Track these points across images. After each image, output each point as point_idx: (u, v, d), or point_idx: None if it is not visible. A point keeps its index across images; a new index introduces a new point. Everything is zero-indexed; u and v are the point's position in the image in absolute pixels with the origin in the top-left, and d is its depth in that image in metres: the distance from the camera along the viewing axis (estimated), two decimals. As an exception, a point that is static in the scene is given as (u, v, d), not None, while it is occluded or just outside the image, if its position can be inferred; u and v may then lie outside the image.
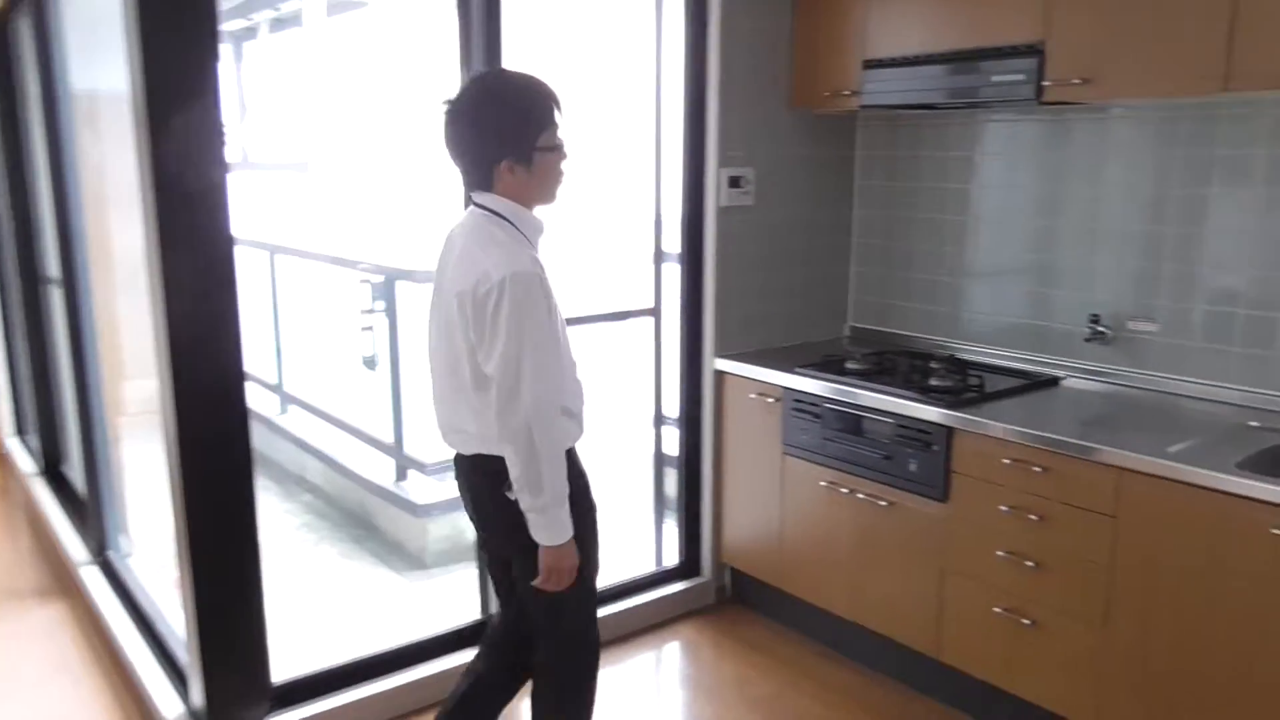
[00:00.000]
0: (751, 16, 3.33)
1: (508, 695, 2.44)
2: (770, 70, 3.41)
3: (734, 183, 3.39)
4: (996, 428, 2.62)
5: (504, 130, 2.05)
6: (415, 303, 4.33)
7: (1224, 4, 2.35)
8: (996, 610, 2.68)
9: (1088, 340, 3.06)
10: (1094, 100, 2.76)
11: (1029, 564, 2.59)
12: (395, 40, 5.39)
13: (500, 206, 2.08)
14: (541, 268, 2.03)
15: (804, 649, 3.28)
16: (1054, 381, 3.06)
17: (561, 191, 2.17)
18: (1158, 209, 2.89)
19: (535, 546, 2.08)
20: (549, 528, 2.04)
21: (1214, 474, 2.23)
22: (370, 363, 4.45)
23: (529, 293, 1.97)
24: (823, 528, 3.15)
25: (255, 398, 3.06)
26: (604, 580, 3.35)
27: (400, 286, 4.38)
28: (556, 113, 2.09)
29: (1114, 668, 2.47)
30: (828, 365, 3.19)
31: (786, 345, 3.61)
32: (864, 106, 3.20)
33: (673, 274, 3.50)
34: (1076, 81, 2.65)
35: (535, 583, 2.10)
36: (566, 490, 2.05)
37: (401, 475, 4.46)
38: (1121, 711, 2.47)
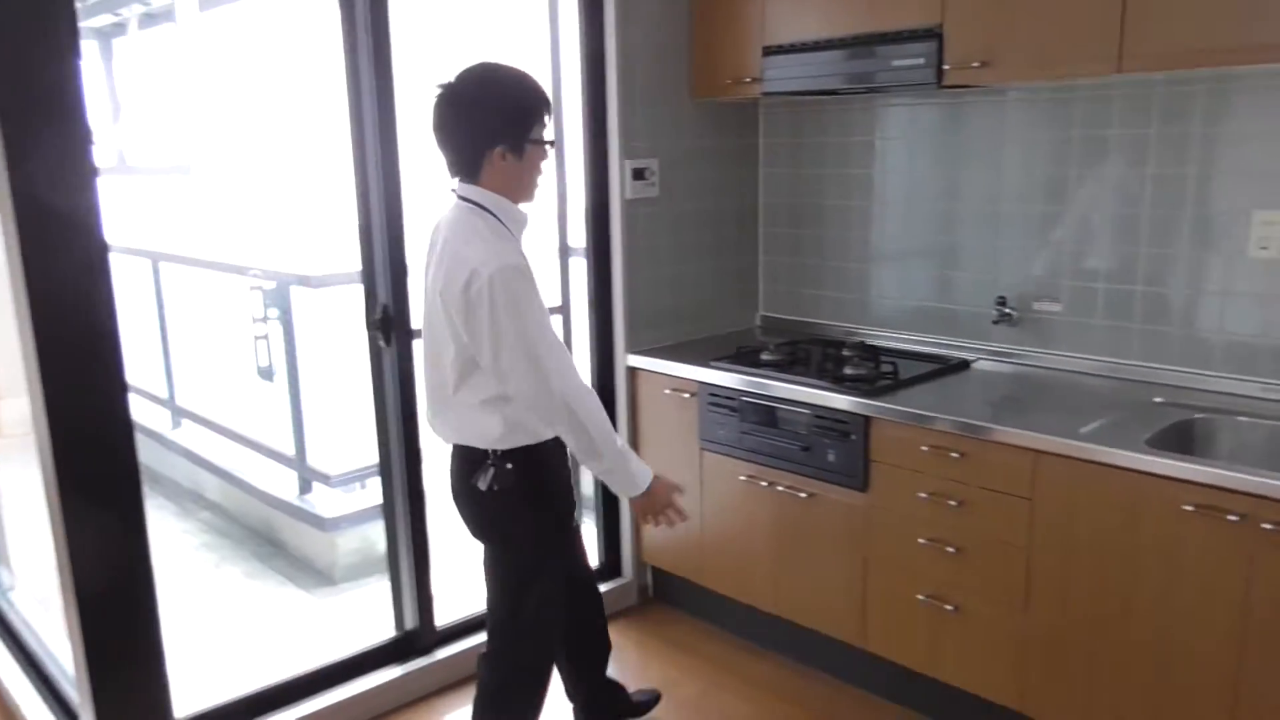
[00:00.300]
0: (649, 3, 3.25)
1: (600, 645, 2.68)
2: (671, 59, 3.34)
3: (638, 175, 3.32)
4: (913, 415, 2.62)
5: (505, 115, 2.09)
6: (313, 309, 4.15)
7: (1115, -13, 2.38)
8: (919, 597, 2.68)
9: (995, 322, 3.08)
10: (992, 83, 2.76)
11: (950, 550, 2.59)
12: (275, 36, 5.15)
13: (483, 199, 2.12)
14: (525, 259, 2.08)
15: (729, 646, 3.25)
16: (965, 365, 3.07)
17: (536, 190, 2.23)
18: (1057, 190, 2.93)
19: (503, 538, 2.25)
20: (623, 484, 2.21)
21: (1124, 453, 2.25)
22: (266, 373, 4.26)
23: (521, 284, 2.02)
24: (744, 522, 3.11)
25: (143, 412, 2.88)
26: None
27: (296, 293, 4.19)
28: (547, 107, 2.16)
29: (1035, 648, 2.49)
30: (742, 357, 3.15)
31: (699, 338, 3.56)
32: (765, 93, 3.16)
33: (579, 270, 3.42)
34: (975, 65, 2.65)
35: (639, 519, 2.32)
36: (624, 446, 2.19)
37: (306, 488, 4.28)
38: (1044, 691, 2.49)
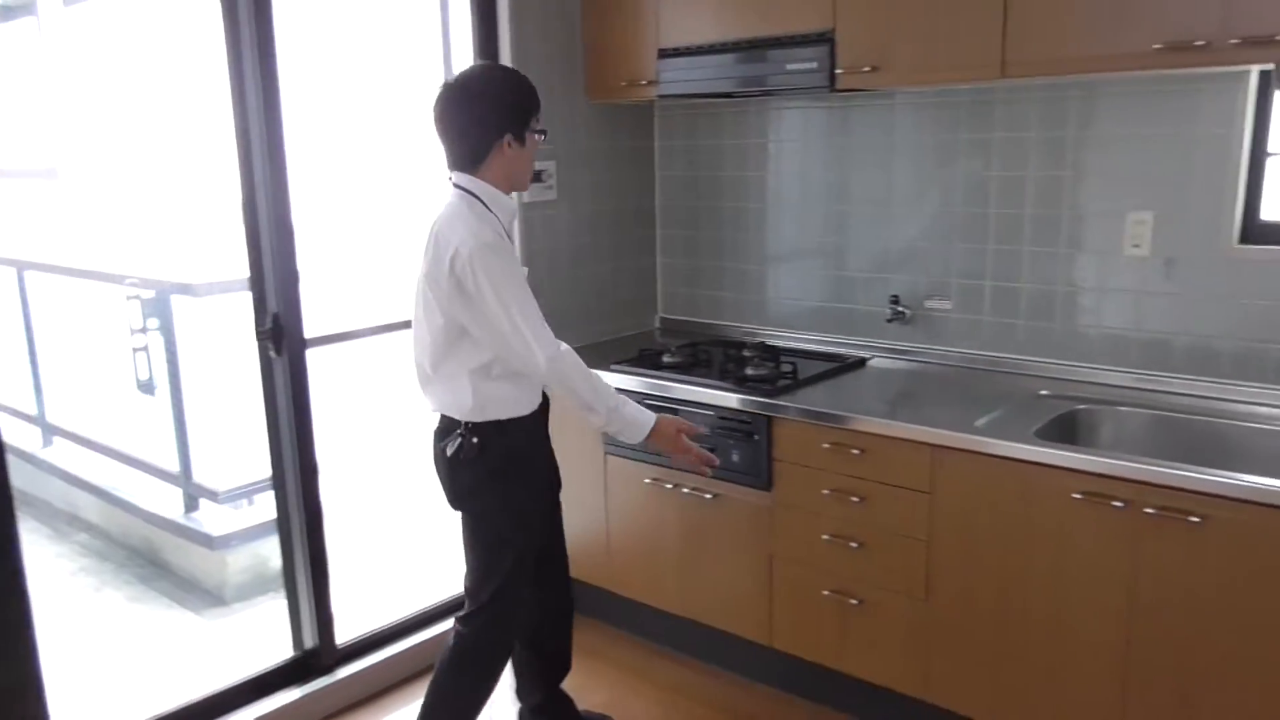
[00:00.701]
0: (542, 5, 3.22)
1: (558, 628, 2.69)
2: (565, 61, 3.32)
3: (536, 177, 3.28)
4: (814, 414, 2.66)
5: (511, 105, 2.26)
6: (196, 319, 3.98)
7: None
8: (825, 593, 2.73)
9: (889, 320, 3.16)
10: (883, 87, 2.83)
11: (853, 545, 2.64)
12: (146, 30, 4.92)
13: (476, 188, 2.27)
14: (504, 239, 2.24)
15: (639, 650, 3.24)
16: (862, 363, 3.14)
17: (529, 181, 2.41)
18: (945, 191, 3.02)
19: (473, 509, 2.37)
20: (625, 432, 2.31)
21: (1017, 445, 2.33)
22: (147, 387, 4.06)
23: (500, 259, 2.17)
24: (650, 525, 3.11)
25: (9, 430, 2.71)
26: (417, 605, 3.25)
27: (177, 302, 4.00)
28: (539, 103, 2.32)
29: (938, 638, 2.55)
30: (644, 360, 3.15)
31: (599, 341, 3.55)
32: (661, 96, 3.17)
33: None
34: (866, 69, 2.71)
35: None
36: (617, 399, 2.29)
37: (192, 506, 4.10)
38: (948, 679, 2.56)
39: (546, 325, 2.24)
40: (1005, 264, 2.93)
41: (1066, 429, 2.55)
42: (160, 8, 4.76)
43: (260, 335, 2.75)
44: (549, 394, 2.44)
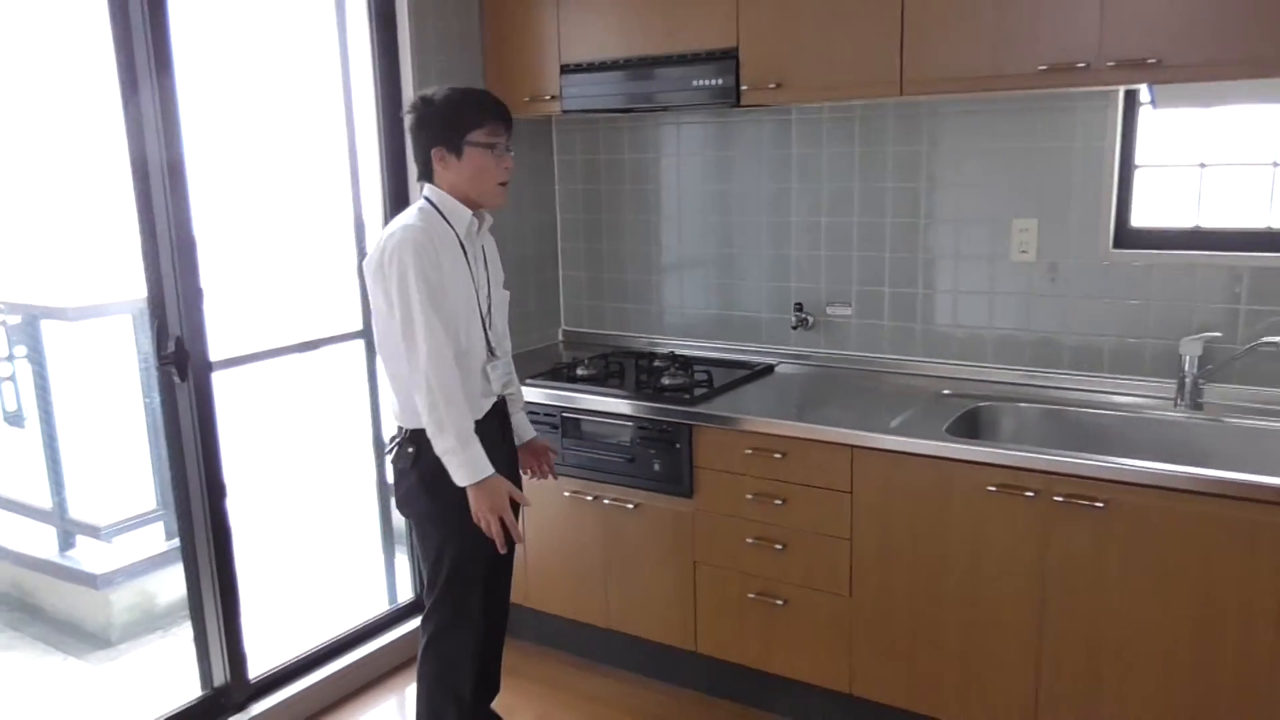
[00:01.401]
0: (441, 18, 3.20)
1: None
2: (467, 76, 3.30)
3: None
4: (734, 420, 2.72)
5: (440, 118, 2.30)
6: (69, 346, 3.74)
7: (894, 19, 2.59)
8: (750, 595, 2.79)
9: (794, 327, 3.27)
10: (787, 103, 2.93)
11: (777, 547, 2.72)
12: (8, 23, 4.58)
13: (431, 194, 2.34)
14: (434, 242, 2.24)
15: (565, 665, 3.23)
16: (770, 369, 3.23)
17: (501, 193, 2.39)
18: (843, 202, 3.14)
19: (420, 514, 2.38)
20: (460, 468, 2.22)
21: (931, 443, 2.46)
22: (15, 419, 3.79)
23: (412, 255, 2.18)
24: (571, 538, 3.11)
25: None
26: (333, 629, 3.17)
27: (47, 327, 3.75)
28: (494, 119, 2.32)
29: (861, 633, 2.65)
30: (558, 374, 3.15)
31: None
32: (565, 111, 3.19)
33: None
34: (771, 86, 2.80)
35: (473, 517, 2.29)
36: (470, 437, 2.22)
37: (68, 543, 3.84)
38: (872, 673, 2.66)
39: (445, 342, 2.20)
40: (902, 271, 3.08)
41: (972, 425, 2.70)
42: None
43: (162, 361, 2.62)
44: (504, 396, 2.49)
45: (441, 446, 2.22)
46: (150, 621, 3.68)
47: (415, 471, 2.33)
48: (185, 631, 2.86)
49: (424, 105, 2.33)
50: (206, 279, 2.68)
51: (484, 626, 2.52)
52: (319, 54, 3.11)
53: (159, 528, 3.79)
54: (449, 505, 2.32)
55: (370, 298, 2.33)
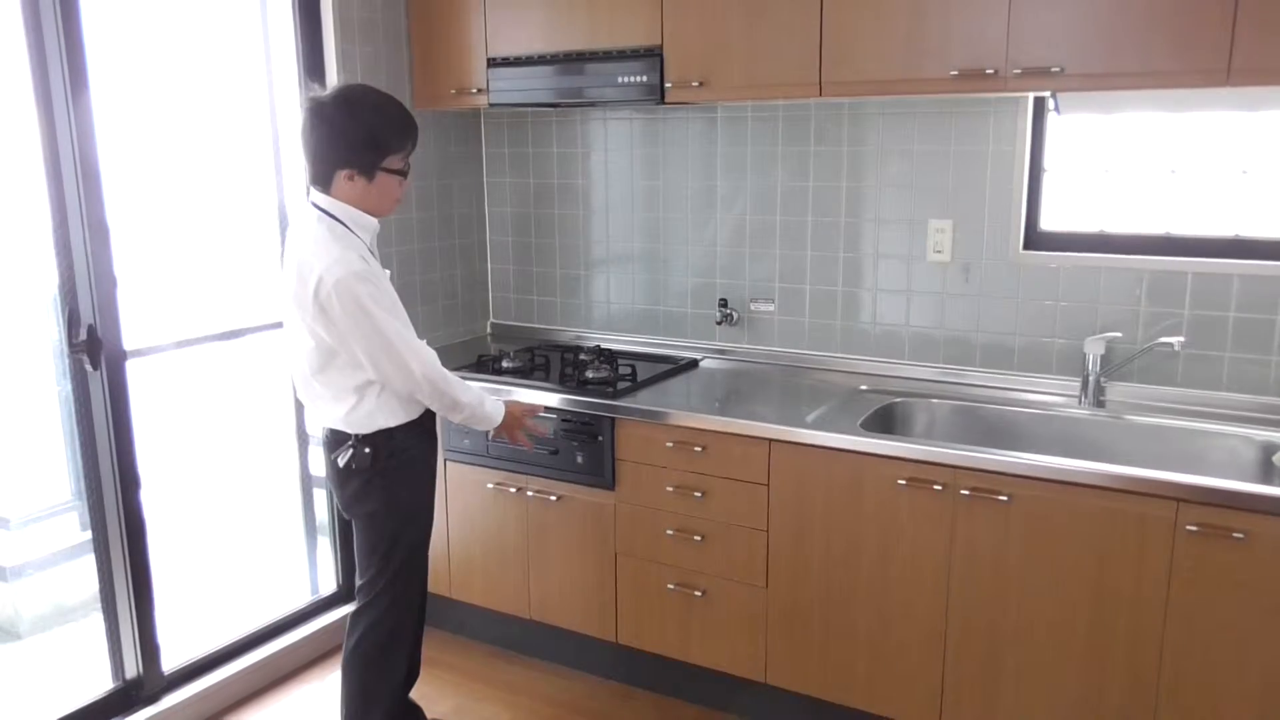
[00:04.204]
0: (366, 8, 3.18)
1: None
2: (393, 68, 3.29)
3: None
4: (656, 414, 2.76)
5: (357, 140, 2.22)
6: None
7: (813, 22, 2.65)
8: (669, 586, 2.84)
9: (719, 323, 3.32)
10: (710, 101, 2.97)
11: (696, 538, 2.76)
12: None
13: (333, 208, 2.25)
14: (367, 262, 2.22)
15: (485, 656, 3.25)
16: (694, 364, 3.28)
17: (394, 210, 2.39)
18: (765, 200, 3.20)
19: (366, 515, 2.40)
20: (482, 423, 2.45)
21: (845, 437, 2.52)
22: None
23: (363, 286, 2.16)
24: (493, 530, 3.13)
25: None
26: (253, 621, 3.14)
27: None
28: (409, 143, 2.29)
29: (777, 624, 2.71)
30: (483, 365, 3.16)
31: (433, 347, 3.51)
32: (493, 105, 3.20)
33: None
34: (695, 84, 2.84)
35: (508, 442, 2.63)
36: (479, 396, 2.41)
37: (-28, 537, 3.74)
38: (785, 660, 2.72)
39: (420, 341, 2.31)
40: (823, 269, 3.14)
41: (886, 420, 2.78)
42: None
43: (74, 349, 2.58)
44: None
45: (460, 418, 2.40)
46: (61, 614, 3.60)
47: (372, 471, 2.36)
48: (98, 624, 2.82)
49: (337, 114, 2.21)
50: (124, 267, 2.64)
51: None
52: (242, 43, 3.08)
53: (73, 518, 3.71)
54: (409, 494, 2.42)
55: (301, 330, 2.26)
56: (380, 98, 2.30)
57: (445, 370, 2.34)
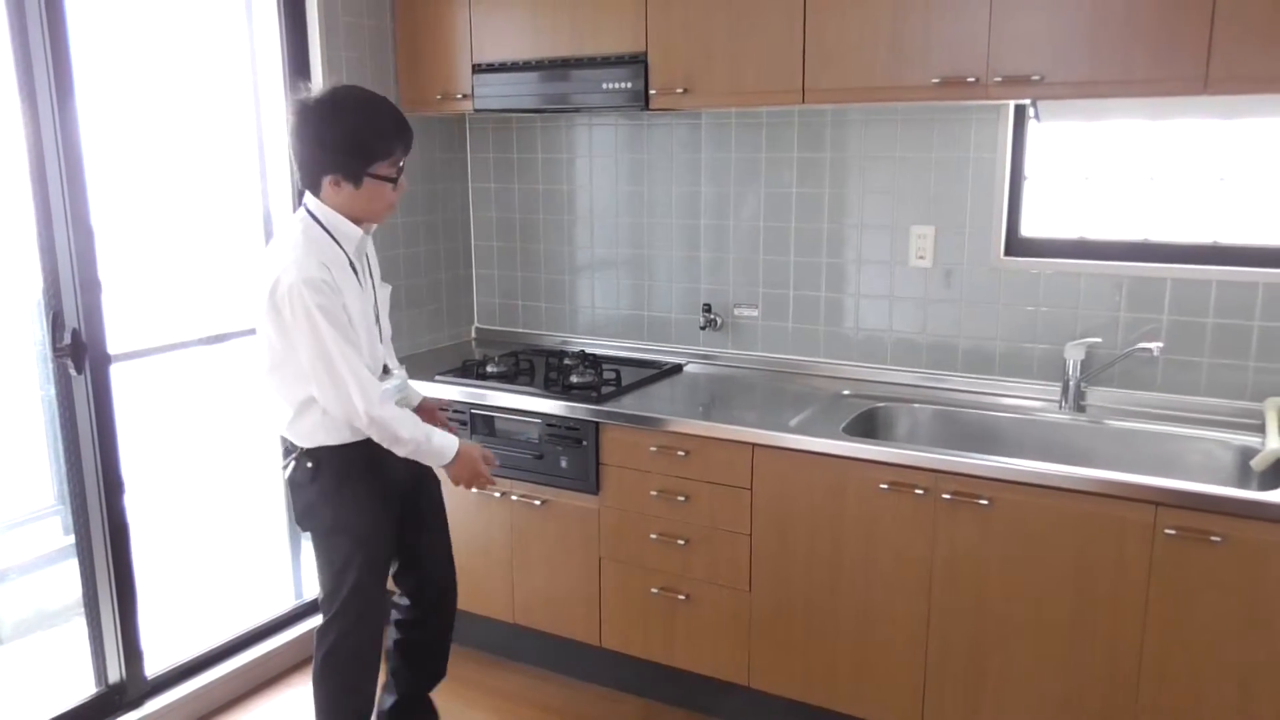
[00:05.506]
0: (352, 13, 3.19)
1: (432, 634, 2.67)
2: (378, 71, 3.29)
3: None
4: (640, 418, 2.77)
5: (341, 146, 2.16)
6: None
7: (796, 30, 2.67)
8: (654, 590, 2.85)
9: (702, 328, 3.33)
10: (694, 108, 2.99)
11: (680, 543, 2.77)
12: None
13: (319, 211, 2.22)
14: (330, 272, 2.15)
15: (471, 661, 3.24)
16: (678, 368, 3.29)
17: (388, 216, 2.32)
18: (749, 206, 3.22)
19: (325, 527, 2.33)
20: (431, 459, 2.34)
21: (828, 441, 2.54)
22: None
23: (317, 297, 2.10)
24: (477, 535, 3.13)
25: None
26: (238, 625, 3.13)
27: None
28: (400, 147, 2.22)
29: (761, 627, 2.72)
30: (468, 370, 3.17)
31: (417, 352, 3.53)
32: (478, 110, 3.21)
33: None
34: (679, 91, 2.86)
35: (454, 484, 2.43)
36: (422, 430, 2.28)
37: (-47, 541, 3.72)
38: (769, 664, 2.73)
39: (367, 370, 2.19)
40: (806, 274, 3.16)
41: (868, 425, 2.80)
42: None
43: (57, 353, 2.57)
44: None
45: (405, 452, 2.26)
46: (44, 618, 3.58)
47: (316, 486, 2.31)
48: (80, 629, 2.81)
49: (321, 118, 2.16)
50: (110, 272, 2.64)
51: (435, 619, 2.64)
52: (227, 46, 3.08)
53: (56, 523, 3.69)
54: (354, 513, 2.33)
55: (259, 328, 2.23)
56: (367, 100, 2.23)
57: (389, 404, 2.23)
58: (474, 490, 2.51)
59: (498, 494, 3.05)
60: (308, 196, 2.24)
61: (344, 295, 2.17)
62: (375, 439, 2.23)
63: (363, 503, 2.34)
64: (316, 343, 2.12)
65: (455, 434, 2.43)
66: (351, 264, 2.25)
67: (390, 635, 2.65)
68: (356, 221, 2.25)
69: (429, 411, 2.62)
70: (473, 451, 2.41)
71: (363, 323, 2.25)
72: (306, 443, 2.29)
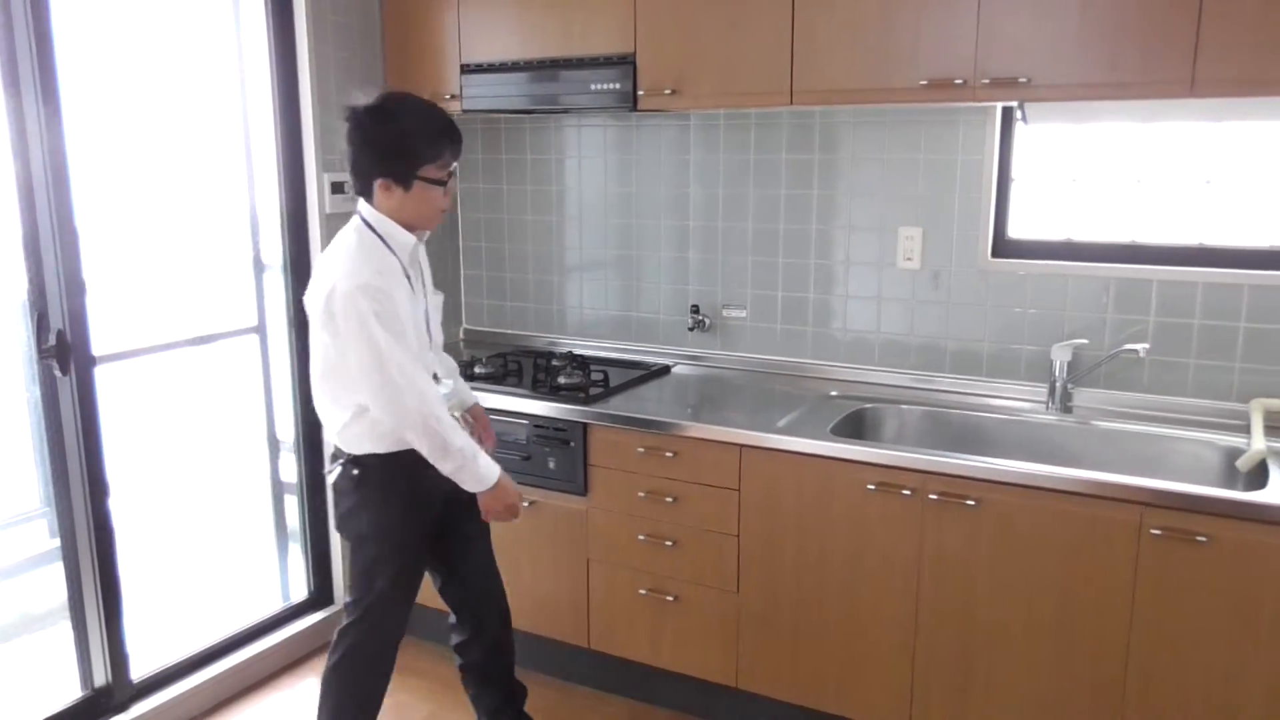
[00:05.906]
0: (340, 13, 3.18)
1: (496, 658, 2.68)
2: (366, 71, 3.29)
3: (337, 188, 3.23)
4: (628, 419, 2.77)
5: (389, 150, 2.19)
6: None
7: (784, 31, 2.67)
8: (641, 592, 2.84)
9: (691, 329, 3.33)
10: (682, 109, 2.99)
11: (668, 544, 2.77)
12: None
13: (372, 218, 2.24)
14: (388, 278, 2.17)
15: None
16: (667, 370, 3.29)
17: (442, 217, 2.32)
18: (738, 207, 3.22)
19: (361, 534, 2.35)
20: (472, 480, 2.28)
21: (815, 442, 2.54)
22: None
23: (370, 303, 2.11)
24: (464, 536, 3.12)
25: None
26: (224, 628, 3.12)
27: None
28: (449, 150, 2.24)
29: (748, 629, 2.72)
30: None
31: (404, 354, 3.51)
32: (466, 111, 3.20)
33: (275, 286, 3.26)
34: (667, 91, 2.86)
35: (483, 518, 2.41)
36: (473, 447, 2.27)
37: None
38: (756, 665, 2.73)
39: (425, 375, 2.21)
40: (794, 276, 3.17)
41: (856, 426, 2.80)
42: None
43: (42, 354, 2.56)
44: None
45: (449, 468, 2.24)
46: (28, 622, 3.55)
47: (358, 493, 2.33)
48: (66, 632, 2.79)
49: (371, 123, 2.19)
50: (94, 272, 2.62)
51: (487, 641, 2.66)
52: (215, 47, 3.06)
53: (41, 525, 3.67)
54: (391, 525, 2.35)
55: (313, 334, 2.26)
56: (416, 104, 2.26)
57: (442, 413, 2.22)
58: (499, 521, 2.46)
59: (486, 495, 3.04)
60: (360, 203, 2.27)
61: (397, 303, 2.17)
62: (424, 450, 2.22)
63: (401, 513, 2.36)
64: (371, 349, 2.13)
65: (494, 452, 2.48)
66: (405, 271, 2.26)
67: (456, 661, 2.69)
68: (409, 228, 2.26)
69: (480, 418, 2.65)
70: (511, 484, 2.38)
71: (414, 330, 2.25)
72: (353, 449, 2.30)
